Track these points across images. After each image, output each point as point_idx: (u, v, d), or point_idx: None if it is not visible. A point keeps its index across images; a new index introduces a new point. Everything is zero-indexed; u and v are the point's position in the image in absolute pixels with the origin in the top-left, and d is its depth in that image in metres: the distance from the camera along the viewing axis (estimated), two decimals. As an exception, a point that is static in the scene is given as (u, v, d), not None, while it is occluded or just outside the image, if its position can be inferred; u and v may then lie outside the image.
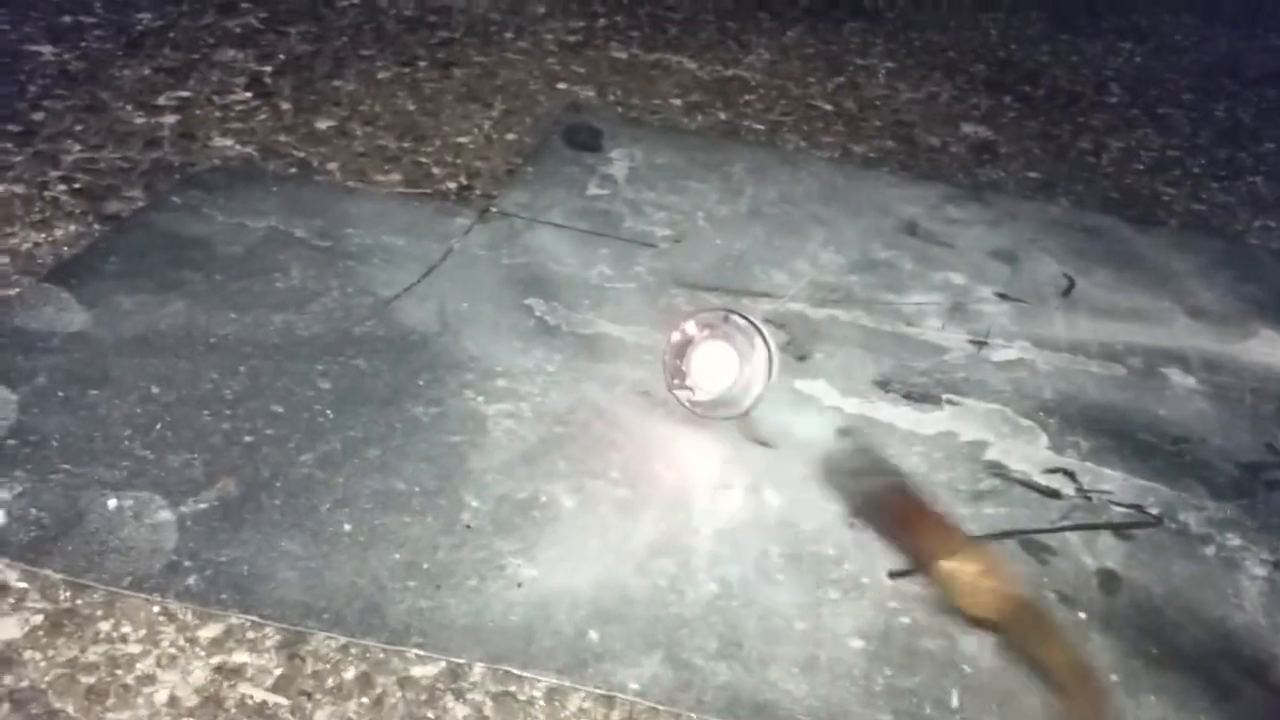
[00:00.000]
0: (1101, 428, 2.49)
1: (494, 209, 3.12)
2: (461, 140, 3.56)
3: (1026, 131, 4.46)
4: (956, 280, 3.12)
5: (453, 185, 3.27)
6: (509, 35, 4.66)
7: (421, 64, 4.20)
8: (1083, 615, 1.93)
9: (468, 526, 1.95)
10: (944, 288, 3.06)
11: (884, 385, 2.56)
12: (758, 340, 2.28)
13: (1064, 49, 5.65)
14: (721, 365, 2.29)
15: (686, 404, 2.32)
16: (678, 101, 4.21)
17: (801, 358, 2.62)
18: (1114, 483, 2.31)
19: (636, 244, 3.03)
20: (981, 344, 2.80)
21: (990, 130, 4.42)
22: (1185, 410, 2.62)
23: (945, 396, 2.54)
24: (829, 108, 4.39)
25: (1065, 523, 2.17)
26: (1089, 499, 2.24)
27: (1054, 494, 2.25)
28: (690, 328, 2.32)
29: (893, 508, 2.16)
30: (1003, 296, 3.06)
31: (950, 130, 4.36)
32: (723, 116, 4.15)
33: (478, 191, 3.24)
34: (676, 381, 2.32)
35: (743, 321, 2.29)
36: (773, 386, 2.30)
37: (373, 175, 3.27)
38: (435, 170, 3.34)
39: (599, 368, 2.46)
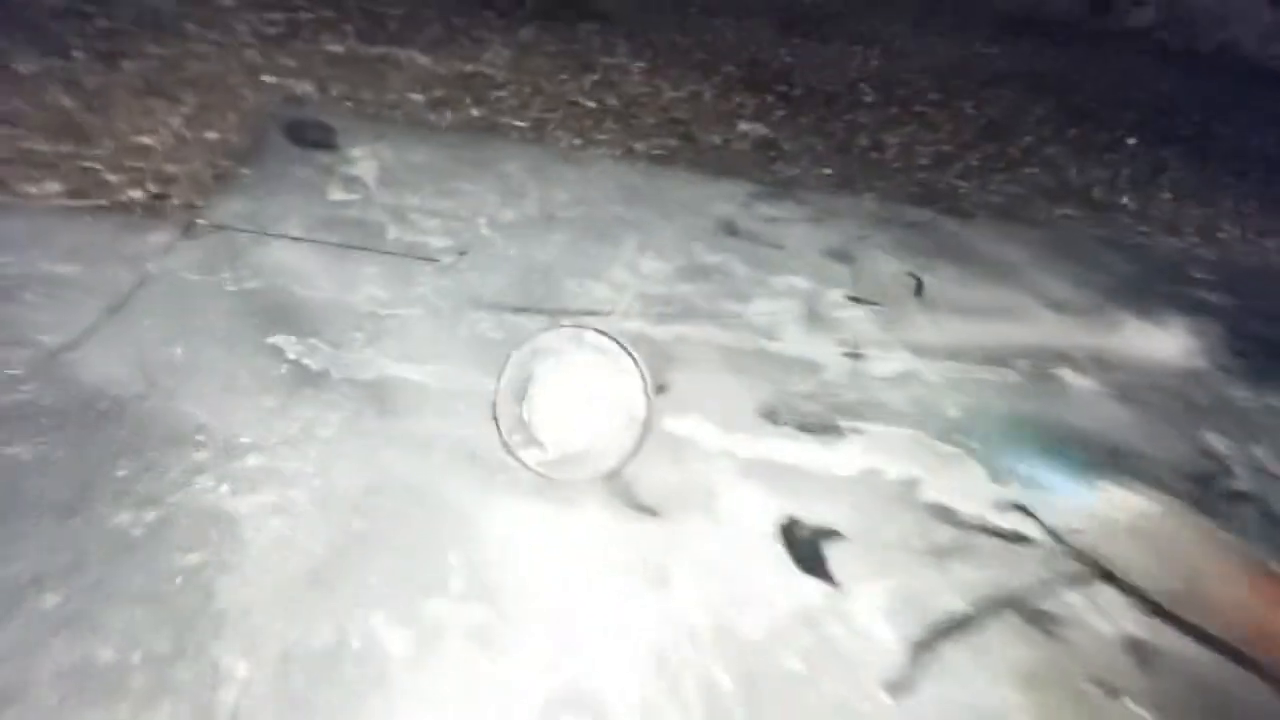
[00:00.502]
0: (1027, 447, 2.02)
1: (203, 221, 2.28)
2: (143, 140, 2.68)
3: (802, 128, 4.09)
4: (800, 284, 2.59)
5: (138, 194, 2.40)
6: (191, 26, 3.77)
7: (77, 55, 3.25)
8: (1131, 704, 1.41)
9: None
10: (789, 293, 2.53)
11: (770, 416, 1.97)
12: (625, 363, 1.63)
13: (802, 52, 5.41)
14: (579, 406, 1.62)
15: (534, 467, 1.63)
16: (418, 97, 3.49)
17: (659, 389, 1.98)
18: (1075, 515, 1.82)
19: (411, 259, 2.29)
20: (856, 355, 2.27)
21: (767, 128, 4.00)
22: (1100, 417, 2.21)
23: (846, 424, 1.98)
24: (592, 104, 3.81)
25: (1053, 577, 1.65)
26: (1061, 541, 1.74)
27: (1021, 538, 1.73)
28: (528, 358, 1.63)
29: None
30: (855, 300, 2.56)
31: (728, 128, 3.90)
32: (475, 113, 3.47)
33: (175, 200, 2.38)
34: (517, 437, 1.62)
35: (602, 341, 1.63)
36: (649, 428, 1.65)
37: (19, 186, 2.34)
38: (110, 177, 2.46)
39: (399, 426, 1.72)
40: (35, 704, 1.15)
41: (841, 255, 2.82)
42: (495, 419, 1.63)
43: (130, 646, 1.25)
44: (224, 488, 1.53)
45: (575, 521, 1.59)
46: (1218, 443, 2.14)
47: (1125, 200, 3.85)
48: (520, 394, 1.62)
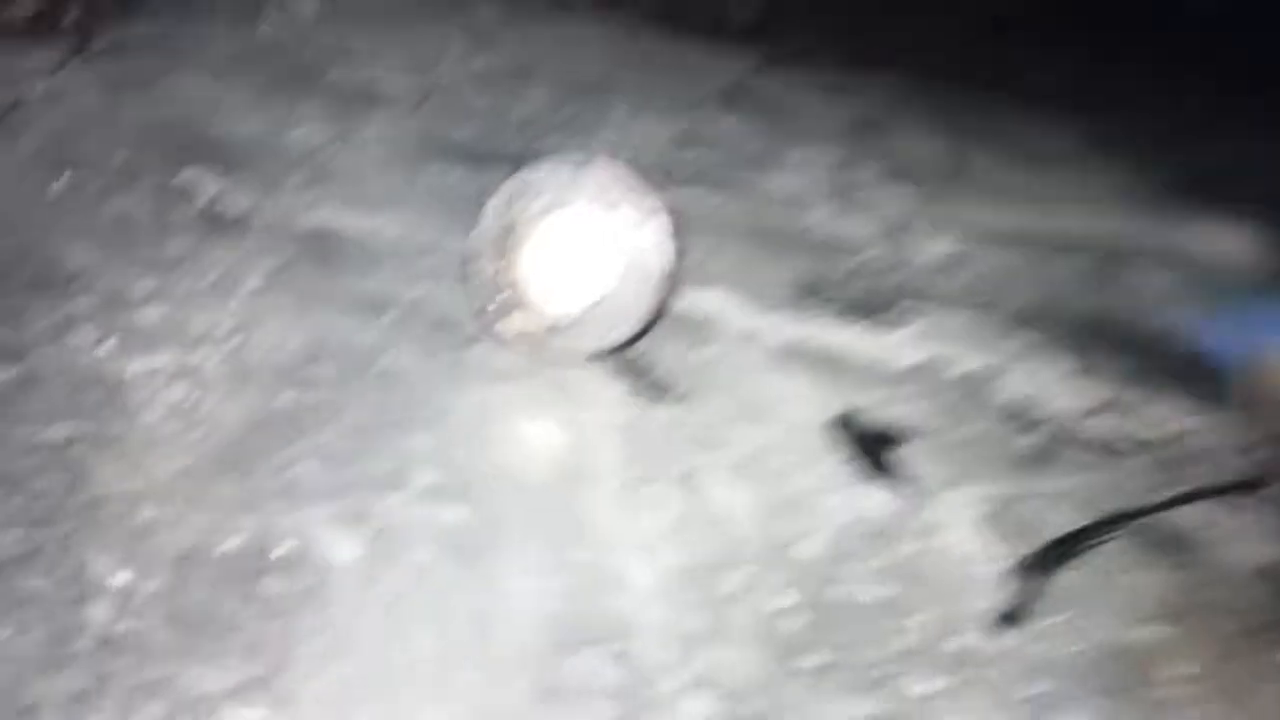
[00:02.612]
0: (1120, 343, 1.72)
1: (99, 42, 1.90)
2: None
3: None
4: (824, 158, 2.26)
5: (20, 13, 1.99)
6: None
7: None
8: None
9: (105, 642, 0.84)
10: (813, 167, 2.20)
11: (809, 294, 1.65)
12: (642, 202, 1.30)
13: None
14: (580, 260, 1.30)
15: (518, 339, 1.30)
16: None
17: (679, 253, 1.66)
18: (1178, 420, 1.53)
19: (359, 99, 1.93)
20: (900, 236, 1.96)
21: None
22: (1190, 315, 1.90)
23: (899, 306, 1.67)
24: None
25: (1165, 495, 1.36)
26: (1167, 449, 1.45)
27: (1117, 450, 1.44)
28: (510, 199, 1.30)
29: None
30: (893, 175, 2.24)
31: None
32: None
33: (71, 16, 1.99)
34: (500, 299, 1.30)
35: (611, 172, 1.31)
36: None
37: None
38: (-15, -10, 2.05)
39: (342, 283, 1.39)
40: None
41: (871, 129, 2.50)
42: (466, 277, 1.30)
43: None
44: (107, 345, 1.19)
45: (574, 406, 1.27)
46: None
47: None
48: (500, 247, 1.29)
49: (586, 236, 1.30)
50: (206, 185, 1.55)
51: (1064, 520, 1.26)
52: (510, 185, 1.31)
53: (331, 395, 1.17)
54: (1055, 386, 1.53)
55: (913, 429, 1.36)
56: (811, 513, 1.18)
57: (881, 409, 1.39)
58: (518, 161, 1.77)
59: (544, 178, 1.31)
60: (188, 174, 1.56)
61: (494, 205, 1.31)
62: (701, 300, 1.54)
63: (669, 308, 1.44)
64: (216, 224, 1.46)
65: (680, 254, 1.57)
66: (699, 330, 1.47)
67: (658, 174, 1.87)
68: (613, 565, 1.06)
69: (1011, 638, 1.08)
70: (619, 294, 1.29)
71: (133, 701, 0.84)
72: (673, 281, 1.36)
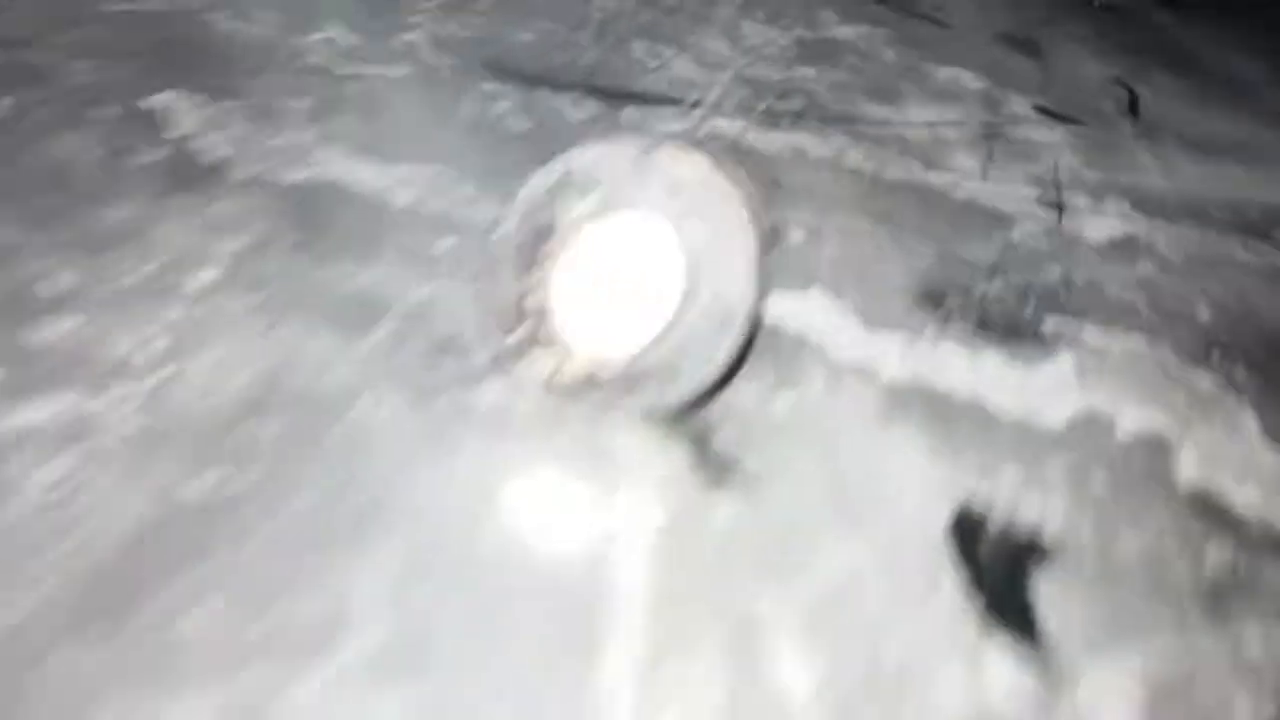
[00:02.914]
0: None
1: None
2: None
3: None
4: (971, 82, 1.79)
5: None
6: None
7: None
8: None
9: None
10: (957, 95, 1.73)
11: (934, 302, 1.23)
12: (727, 213, 0.89)
13: None
14: (636, 286, 0.91)
15: (542, 388, 0.93)
16: None
17: (768, 236, 1.25)
18: None
19: (403, -10, 1.52)
20: (1058, 205, 1.51)
21: None
22: None
23: (1051, 324, 1.25)
24: None
25: None
26: None
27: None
28: (549, 191, 0.90)
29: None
30: (1047, 113, 1.76)
31: None
32: None
33: None
34: (522, 330, 0.92)
35: (687, 166, 0.89)
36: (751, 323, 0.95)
37: None
38: None
39: (327, 276, 1.02)
40: None
41: (1025, 45, 2.00)
42: (486, 291, 0.92)
43: None
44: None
45: (604, 493, 0.90)
46: None
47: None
48: (529, 258, 0.91)
49: (646, 253, 0.91)
50: (180, 114, 1.17)
51: (1245, 709, 0.87)
52: (548, 173, 0.91)
53: (269, 474, 0.82)
54: (1242, 463, 1.12)
55: (1060, 541, 0.97)
56: (913, 700, 0.82)
57: (1020, 500, 1.00)
58: (590, 84, 1.37)
59: (595, 166, 0.91)
60: (158, 98, 1.19)
61: (524, 198, 0.92)
62: (793, 311, 1.14)
63: (754, 345, 1.05)
64: (182, 175, 1.10)
65: (773, 239, 1.17)
66: (786, 361, 1.07)
67: (763, 103, 1.46)
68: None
69: None
70: (687, 335, 0.90)
71: None
72: (760, 318, 0.97)
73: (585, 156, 0.88)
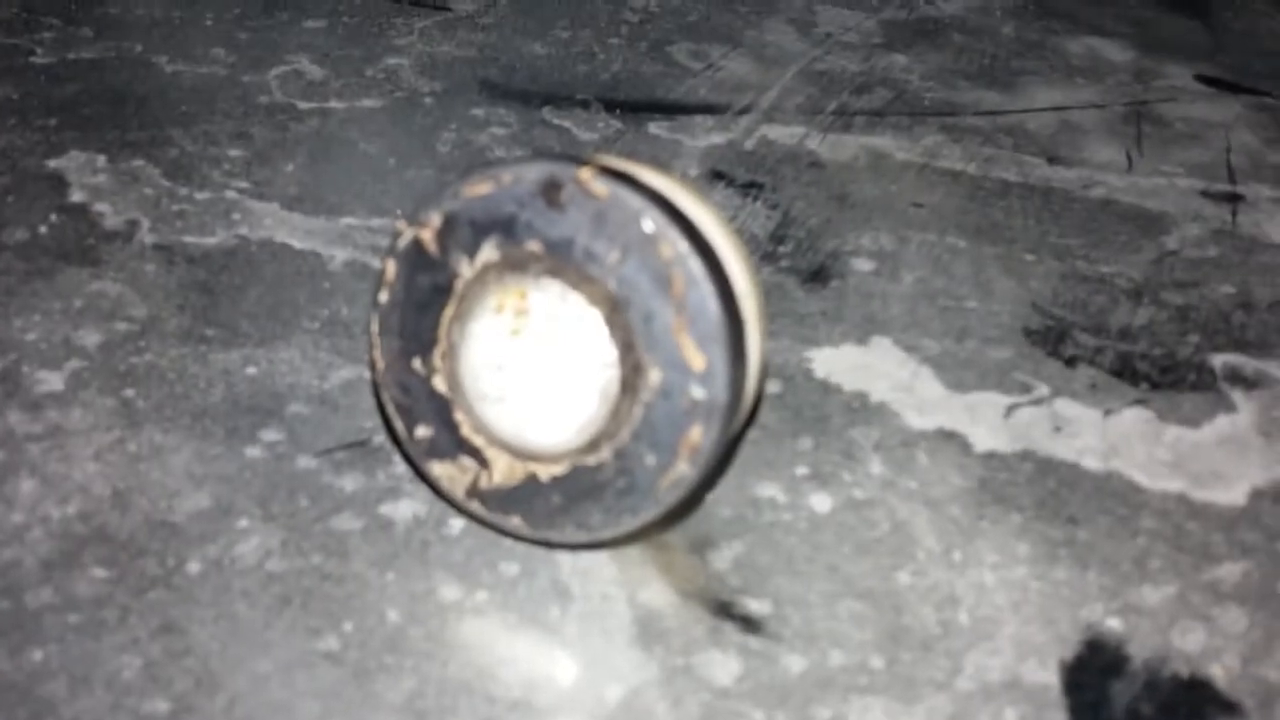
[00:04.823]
0: None
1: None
2: None
3: None
4: (1115, 53, 1.50)
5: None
6: None
7: None
8: None
9: None
10: (1095, 69, 1.45)
11: (1055, 343, 0.96)
12: (695, 256, 0.64)
13: None
14: (572, 363, 0.67)
15: (469, 498, 0.71)
16: None
17: (815, 275, 1.01)
18: None
19: (389, 12, 1.34)
20: (1232, 198, 1.21)
21: None
22: None
23: (1217, 362, 0.96)
24: None
25: None
26: None
27: None
28: (435, 240, 0.68)
29: None
30: (1216, 83, 1.46)
31: None
32: None
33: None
34: (431, 431, 0.70)
35: (630, 192, 0.65)
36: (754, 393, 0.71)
37: None
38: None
39: (217, 362, 0.83)
40: None
41: (1187, 4, 1.69)
42: (373, 382, 0.71)
43: None
44: None
45: (554, 656, 0.67)
46: None
47: None
48: (424, 330, 0.69)
49: (568, 315, 0.67)
50: (84, 179, 1.02)
51: None
52: (427, 219, 0.69)
53: (67, 653, 0.62)
54: None
55: (1239, 682, 0.68)
56: None
57: (1176, 620, 0.71)
58: (608, 94, 1.16)
59: (487, 205, 0.68)
60: (67, 159, 1.03)
61: (401, 255, 0.69)
62: (850, 363, 0.89)
63: (797, 379, 0.81)
64: (65, 250, 0.93)
65: (818, 276, 0.93)
66: (838, 429, 0.83)
67: (832, 105, 1.22)
68: None
69: None
70: (640, 421, 0.67)
71: None
72: (757, 397, 0.73)
73: (484, 187, 0.65)
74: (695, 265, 0.61)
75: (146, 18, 1.29)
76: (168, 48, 1.21)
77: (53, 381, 0.79)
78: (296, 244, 0.95)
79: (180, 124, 1.08)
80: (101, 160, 1.03)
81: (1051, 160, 1.21)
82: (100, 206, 0.97)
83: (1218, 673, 0.67)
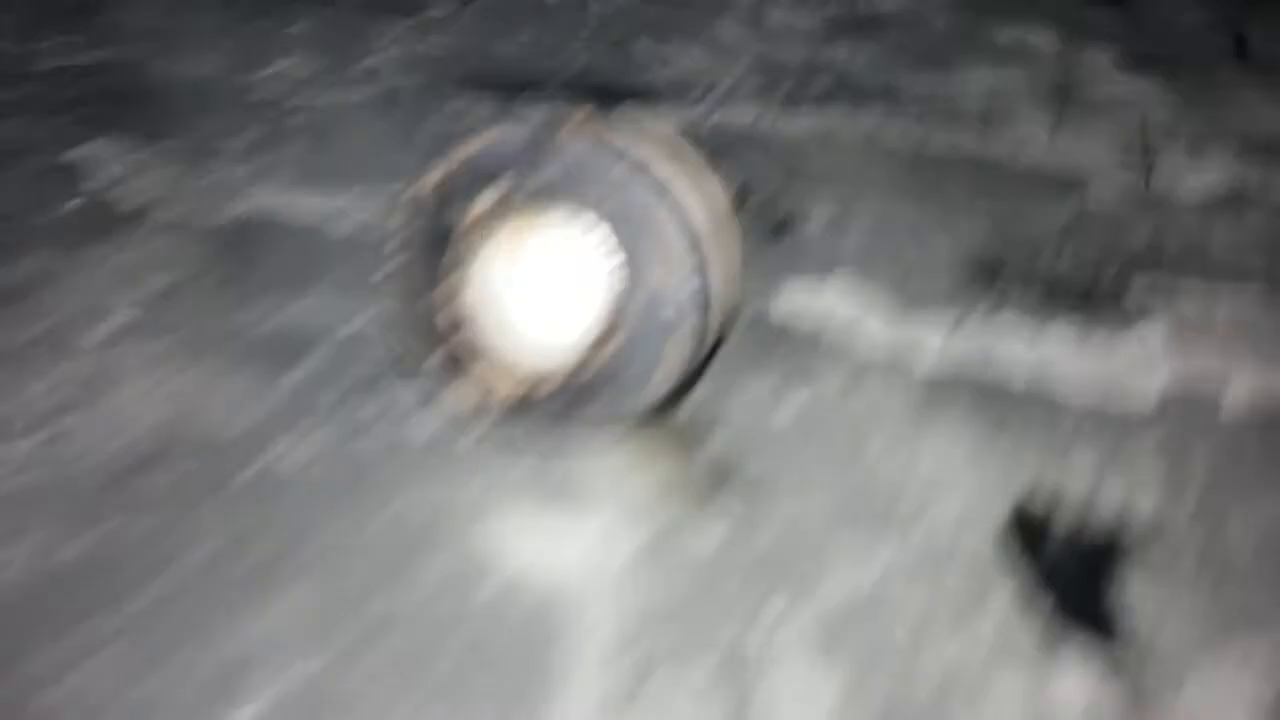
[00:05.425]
0: None
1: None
2: None
3: None
4: (1040, 40, 1.64)
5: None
6: None
7: None
8: None
9: None
10: (1021, 55, 1.59)
11: (990, 277, 1.09)
12: (668, 196, 0.77)
13: None
14: (570, 283, 0.79)
15: (477, 409, 0.82)
16: None
17: (778, 227, 1.14)
18: None
19: (371, 9, 1.46)
20: (1144, 164, 1.35)
21: None
22: None
23: (1136, 293, 1.10)
24: None
25: None
26: None
27: None
28: (452, 181, 0.80)
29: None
30: (1132, 65, 1.61)
31: None
32: None
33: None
34: (447, 347, 0.82)
35: (614, 143, 0.78)
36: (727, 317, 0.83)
37: None
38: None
39: (248, 314, 0.95)
40: None
41: (1106, -2, 1.85)
42: (398, 315, 0.82)
43: None
44: None
45: (559, 530, 0.78)
46: None
47: None
48: (434, 266, 0.80)
49: (564, 248, 0.79)
50: (104, 166, 1.13)
51: None
52: (436, 171, 0.81)
53: (162, 526, 0.73)
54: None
55: (1150, 533, 0.80)
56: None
57: (1098, 490, 0.84)
58: (579, 84, 1.28)
59: (488, 155, 0.80)
60: (85, 149, 1.14)
61: (414, 202, 0.81)
62: (805, 305, 1.02)
63: (755, 323, 0.93)
64: (98, 225, 1.04)
65: (782, 228, 1.05)
66: (797, 360, 0.95)
67: (783, 86, 1.35)
68: None
69: None
70: (628, 338, 0.78)
71: None
72: (732, 306, 0.85)
73: (476, 146, 0.78)
74: (675, 194, 0.74)
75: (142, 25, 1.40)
76: (163, 51, 1.32)
77: (105, 329, 0.90)
78: (300, 219, 1.07)
79: (181, 118, 1.20)
80: (114, 151, 1.14)
81: (983, 135, 1.35)
82: (119, 191, 1.08)
83: (1127, 538, 0.80)
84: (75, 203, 1.05)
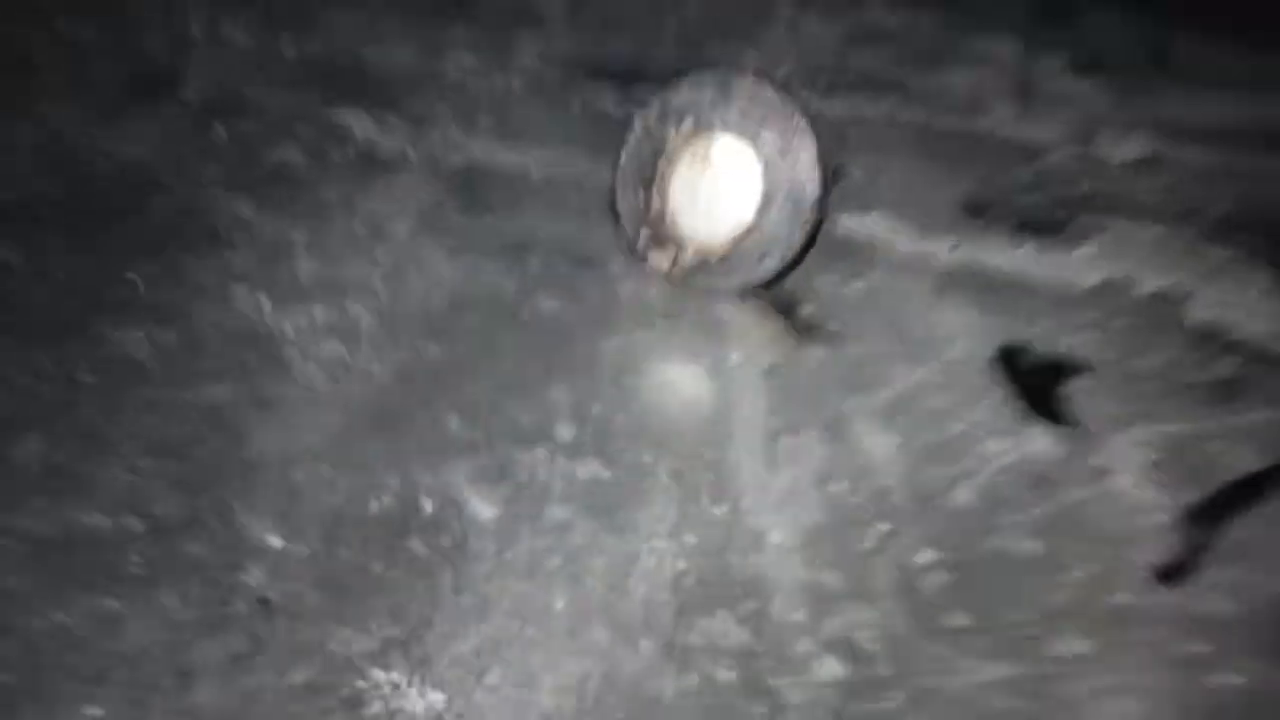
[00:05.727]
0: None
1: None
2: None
3: None
4: (1005, 50, 2.14)
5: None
6: None
7: None
8: None
9: (263, 601, 0.91)
10: (993, 60, 2.09)
11: (978, 212, 1.58)
12: (793, 125, 1.27)
13: None
14: (726, 189, 1.29)
15: (665, 276, 1.31)
16: None
17: (834, 177, 1.62)
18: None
19: (510, 20, 1.93)
20: (1087, 137, 1.84)
21: None
22: None
23: (1080, 220, 1.59)
24: None
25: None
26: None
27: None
28: (655, 122, 1.29)
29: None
30: (1081, 67, 2.10)
31: None
32: None
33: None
34: (646, 234, 1.30)
35: (759, 92, 1.28)
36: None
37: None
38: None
39: (489, 224, 1.42)
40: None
41: (1058, 16, 2.35)
42: (614, 210, 1.30)
43: (129, 510, 1.00)
44: (264, 302, 1.25)
45: (720, 349, 1.27)
46: None
47: None
48: (646, 175, 1.29)
49: (732, 162, 1.28)
50: (362, 123, 1.59)
51: (1246, 463, 1.18)
52: (650, 109, 1.30)
53: (475, 347, 1.20)
54: (1251, 307, 1.43)
55: (1086, 362, 1.30)
56: (966, 459, 1.15)
57: (1053, 340, 1.33)
58: (673, 77, 1.76)
59: (685, 98, 1.29)
60: (344, 115, 1.61)
61: (635, 132, 1.30)
62: (860, 226, 1.50)
63: (825, 235, 1.41)
64: (370, 168, 1.51)
65: (836, 177, 1.53)
66: (856, 259, 1.43)
67: (822, 80, 1.84)
68: (751, 522, 1.07)
69: (1172, 594, 1.04)
70: (768, 224, 1.27)
71: (286, 664, 0.91)
72: (825, 208, 1.33)
73: (678, 91, 1.26)
74: (805, 130, 1.23)
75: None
76: (370, 42, 1.79)
77: (401, 228, 1.37)
78: (506, 167, 1.54)
79: (404, 92, 1.66)
80: (363, 118, 1.60)
81: (970, 117, 1.84)
82: (375, 146, 1.54)
83: (1077, 357, 1.29)
84: (351, 152, 1.52)
